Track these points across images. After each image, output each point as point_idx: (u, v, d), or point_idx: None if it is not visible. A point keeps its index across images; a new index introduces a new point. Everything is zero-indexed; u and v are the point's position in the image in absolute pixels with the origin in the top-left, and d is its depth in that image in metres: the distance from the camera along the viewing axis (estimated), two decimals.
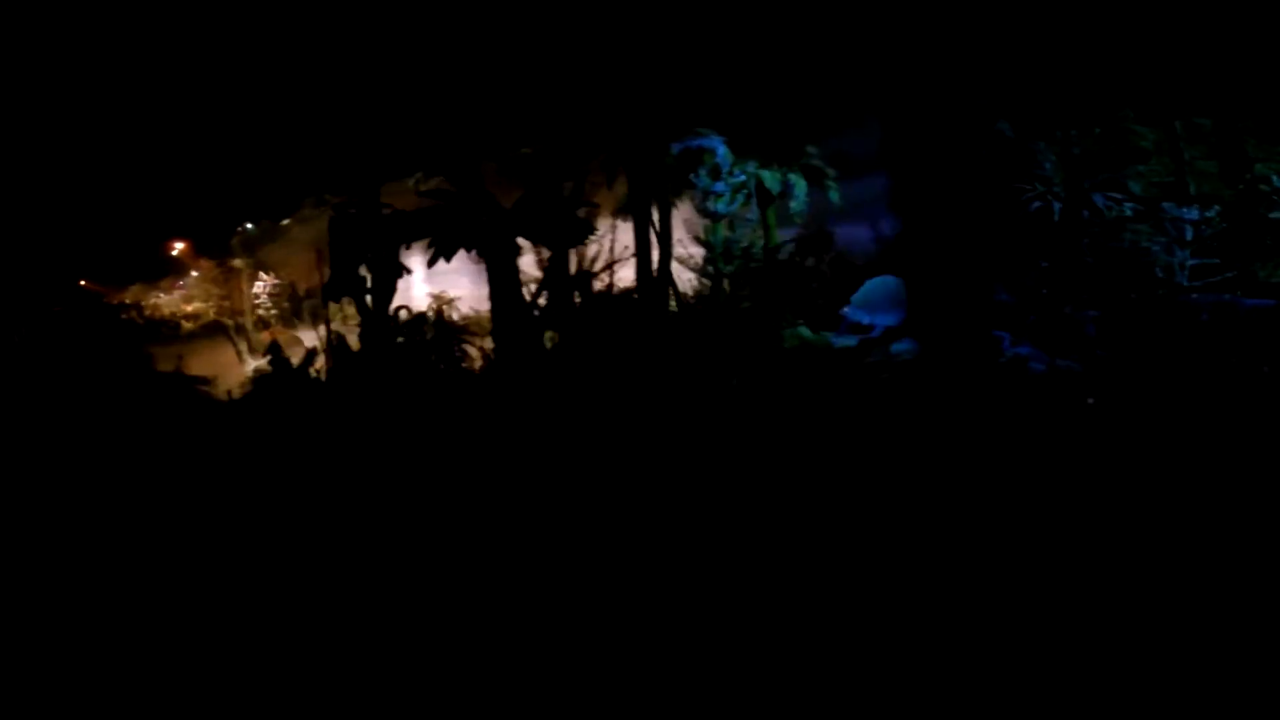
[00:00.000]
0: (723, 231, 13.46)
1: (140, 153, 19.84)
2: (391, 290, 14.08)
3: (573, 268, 14.34)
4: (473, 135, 13.64)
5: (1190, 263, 14.37)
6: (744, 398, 9.21)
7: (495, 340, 14.43)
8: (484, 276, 24.69)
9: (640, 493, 7.56)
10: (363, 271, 14.53)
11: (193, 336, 21.89)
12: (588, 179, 12.98)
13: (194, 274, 23.34)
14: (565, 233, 12.31)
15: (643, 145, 13.19)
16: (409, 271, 13.97)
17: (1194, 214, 14.59)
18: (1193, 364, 12.44)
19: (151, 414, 14.67)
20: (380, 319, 13.65)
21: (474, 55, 13.76)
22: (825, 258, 17.59)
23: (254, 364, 20.80)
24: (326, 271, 26.93)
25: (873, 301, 15.65)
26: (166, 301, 22.63)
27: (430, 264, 14.30)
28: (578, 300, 14.74)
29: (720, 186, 13.23)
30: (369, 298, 14.35)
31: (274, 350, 13.11)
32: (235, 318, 22.68)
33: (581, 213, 13.10)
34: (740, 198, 13.31)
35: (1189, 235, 14.51)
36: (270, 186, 20.87)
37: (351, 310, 24.25)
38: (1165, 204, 14.58)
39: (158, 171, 20.15)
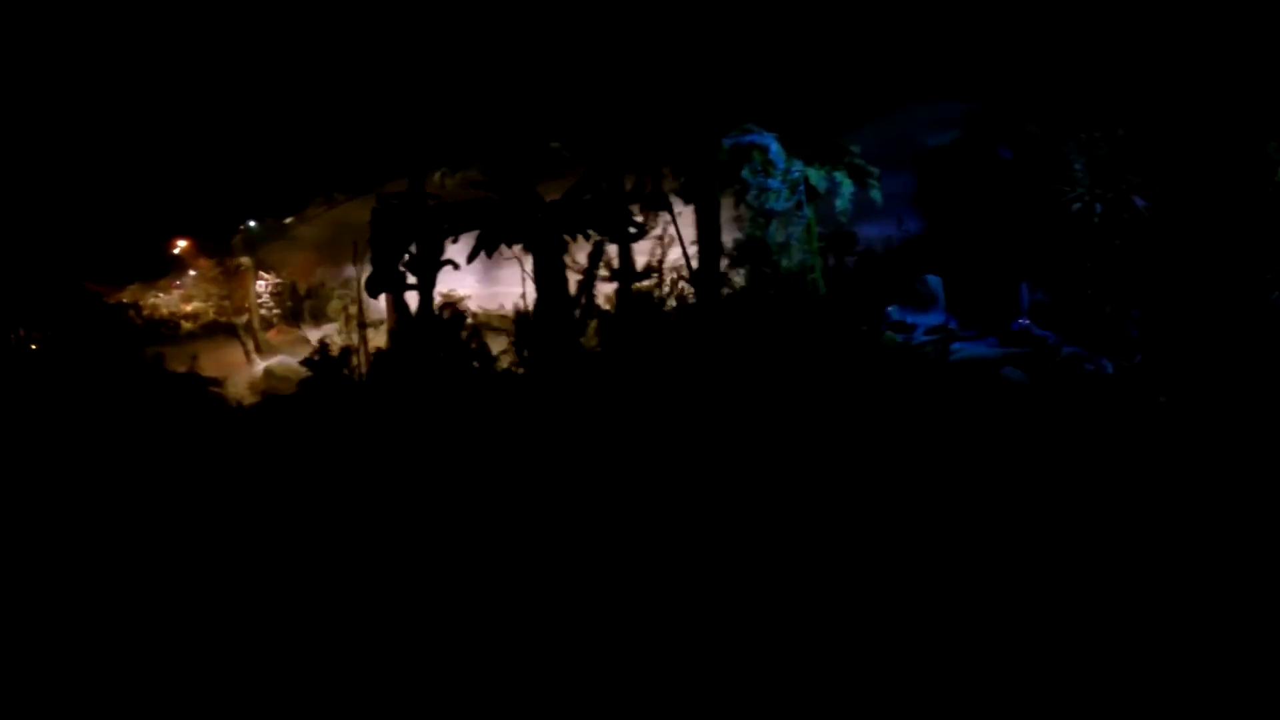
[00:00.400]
0: (776, 229, 13.29)
1: (144, 150, 19.11)
2: (433, 285, 13.66)
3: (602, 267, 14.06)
4: (518, 128, 13.28)
5: None
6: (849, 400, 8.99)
7: (538, 339, 14.03)
8: (490, 275, 24.30)
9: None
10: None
11: (193, 336, 21.11)
12: (648, 175, 12.69)
13: (192, 273, 22.52)
14: (624, 228, 11.99)
15: (698, 140, 12.96)
16: (456, 266, 13.52)
17: None
18: (1243, 363, 12.53)
19: (182, 417, 14.05)
20: (425, 315, 13.20)
21: (520, 48, 13.42)
22: (852, 255, 17.54)
23: (263, 364, 20.13)
24: (322, 271, 26.38)
25: (915, 300, 15.66)
26: (165, 301, 21.79)
27: (471, 258, 13.89)
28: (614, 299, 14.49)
29: (775, 183, 13.05)
30: (408, 293, 13.93)
31: (323, 352, 12.52)
32: (239, 317, 21.92)
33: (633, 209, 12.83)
34: (796, 195, 13.14)
35: None
36: (278, 184, 20.25)
37: (357, 309, 23.68)
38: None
39: (162, 169, 19.42)
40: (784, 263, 12.81)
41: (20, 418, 14.53)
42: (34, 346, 18.29)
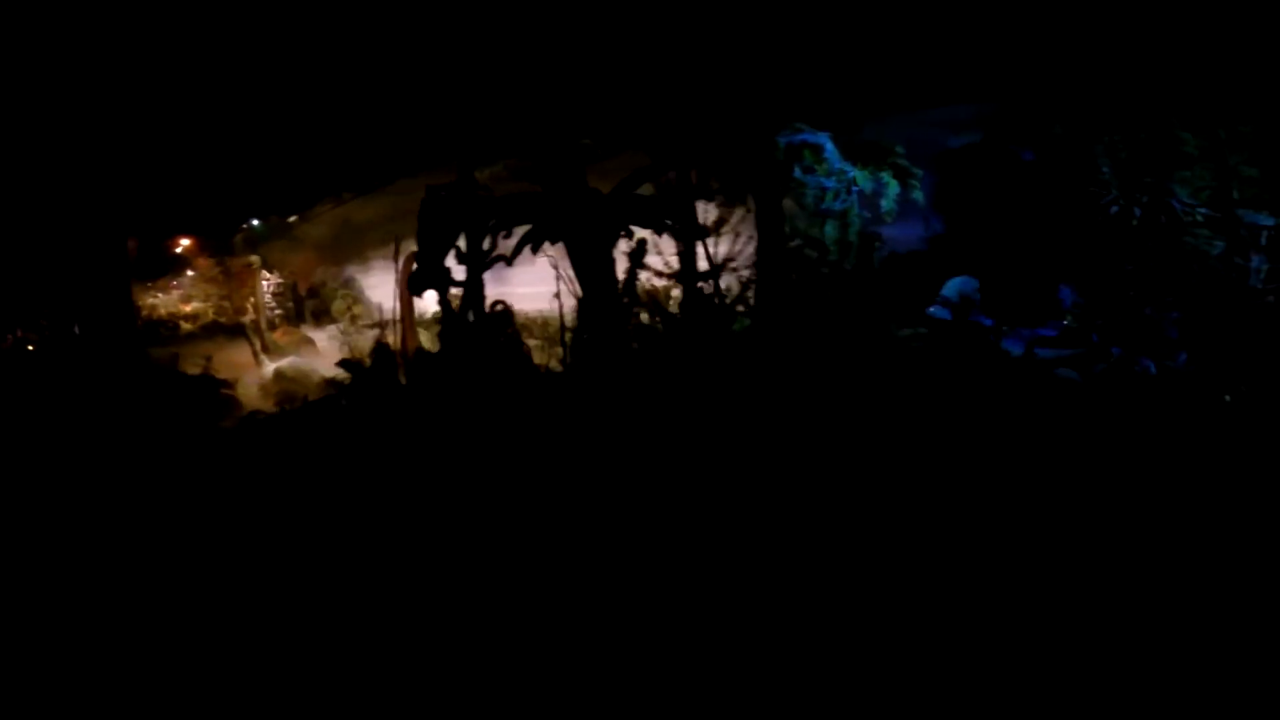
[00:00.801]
0: (832, 229, 13.18)
1: (147, 148, 18.23)
2: (482, 282, 13.22)
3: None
4: (570, 121, 12.97)
5: (1264, 268, 14.80)
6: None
7: (582, 339, 13.66)
8: (497, 275, 23.86)
9: None
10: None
11: (192, 337, 20.28)
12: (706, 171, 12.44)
13: (190, 273, 21.66)
14: (694, 224, 11.72)
15: (755, 137, 12.77)
16: (509, 262, 13.11)
17: (1269, 221, 14.99)
18: None
19: (208, 422, 13.44)
20: (477, 312, 12.77)
21: (573, 43, 13.09)
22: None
23: (272, 366, 19.41)
24: (322, 270, 25.58)
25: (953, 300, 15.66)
26: (163, 301, 20.90)
27: (515, 253, 13.49)
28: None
29: (831, 183, 12.94)
30: (452, 291, 13.46)
31: (379, 352, 11.96)
32: (241, 317, 21.14)
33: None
34: (852, 196, 13.06)
35: (1263, 241, 14.91)
36: (289, 182, 19.51)
37: (360, 309, 23.03)
38: (1239, 210, 15.01)
39: (164, 167, 18.56)
40: (851, 261, 12.69)
41: (17, 424, 13.83)
42: (30, 349, 17.41)
